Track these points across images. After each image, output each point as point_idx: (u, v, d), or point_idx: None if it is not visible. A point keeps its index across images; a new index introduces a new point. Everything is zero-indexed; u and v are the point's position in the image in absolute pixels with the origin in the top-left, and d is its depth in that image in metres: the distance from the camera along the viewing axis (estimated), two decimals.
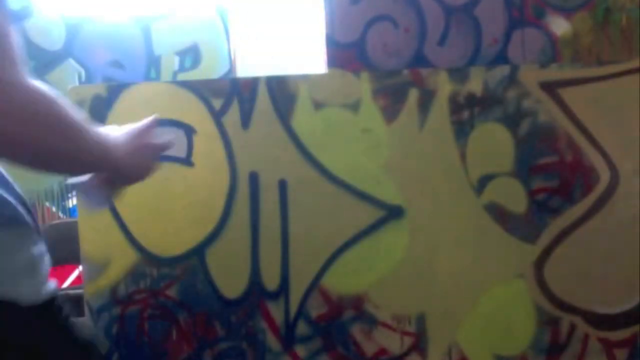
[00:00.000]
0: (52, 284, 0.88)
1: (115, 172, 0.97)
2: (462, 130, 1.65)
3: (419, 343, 1.67)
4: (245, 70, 2.78)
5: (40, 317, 0.86)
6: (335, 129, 1.64)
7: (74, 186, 1.00)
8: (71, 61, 2.80)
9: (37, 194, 2.79)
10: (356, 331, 1.68)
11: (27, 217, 0.88)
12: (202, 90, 1.65)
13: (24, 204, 0.89)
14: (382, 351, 1.68)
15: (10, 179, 0.90)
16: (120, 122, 1.68)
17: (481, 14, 1.71)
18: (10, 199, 0.86)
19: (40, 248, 0.89)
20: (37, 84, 0.79)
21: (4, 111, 0.72)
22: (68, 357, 0.89)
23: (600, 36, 1.70)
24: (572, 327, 1.66)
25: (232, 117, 1.65)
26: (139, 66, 2.80)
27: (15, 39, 0.77)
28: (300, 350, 1.68)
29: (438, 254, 1.66)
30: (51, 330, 0.88)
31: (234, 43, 2.80)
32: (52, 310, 0.88)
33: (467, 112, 1.65)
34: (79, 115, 0.87)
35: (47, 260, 0.90)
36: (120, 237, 1.66)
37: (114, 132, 0.99)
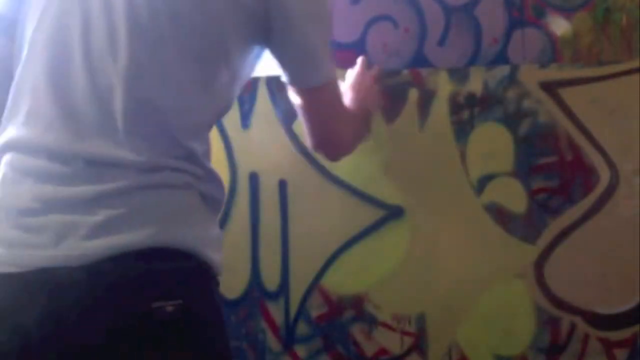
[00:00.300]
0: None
1: (368, 117, 1.54)
2: (462, 130, 1.65)
3: (419, 343, 1.67)
4: None
5: (216, 284, 1.07)
6: None
7: None
8: None
9: None
10: (356, 331, 1.68)
11: (222, 200, 1.14)
12: None
13: (222, 188, 1.14)
14: (382, 351, 1.68)
15: None
16: None
17: (481, 14, 1.70)
18: (220, 191, 1.11)
19: (221, 233, 1.14)
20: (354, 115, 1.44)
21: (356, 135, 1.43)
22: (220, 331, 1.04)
23: (600, 36, 1.70)
24: (572, 327, 1.66)
25: (232, 117, 1.65)
26: None
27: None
28: (300, 350, 1.68)
29: (438, 254, 1.66)
30: (218, 299, 1.06)
31: None
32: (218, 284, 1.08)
33: (467, 112, 1.65)
34: (351, 115, 1.39)
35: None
36: None
37: (346, 95, 1.45)
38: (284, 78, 1.22)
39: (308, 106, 1.23)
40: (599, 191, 1.65)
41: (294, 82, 1.21)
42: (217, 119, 1.23)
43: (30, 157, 0.98)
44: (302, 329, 1.68)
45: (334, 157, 1.39)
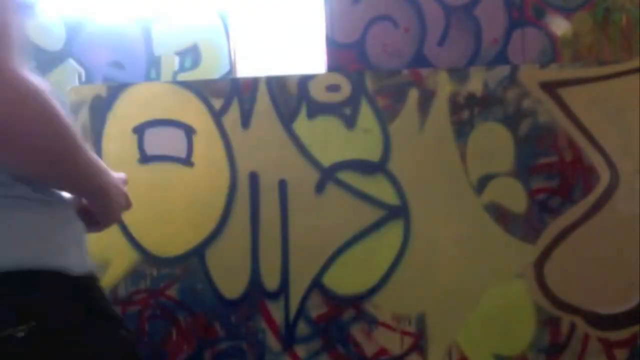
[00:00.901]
0: (90, 261, 0.94)
1: (105, 196, 0.98)
2: (462, 130, 1.65)
3: (419, 343, 1.67)
4: (245, 70, 2.78)
5: (84, 288, 0.91)
6: (335, 129, 1.64)
7: None
8: (71, 61, 2.80)
9: None
10: (356, 331, 1.67)
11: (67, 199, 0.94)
12: (202, 90, 1.65)
13: None
14: (382, 351, 1.68)
15: None
16: (121, 122, 1.69)
17: (481, 14, 1.70)
18: None
19: (81, 224, 0.95)
20: (32, 78, 0.76)
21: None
22: (104, 329, 0.93)
23: (600, 36, 1.70)
24: (572, 327, 1.66)
25: (232, 117, 1.65)
26: (139, 66, 2.80)
27: (17, 28, 0.75)
28: (300, 350, 1.68)
29: (438, 254, 1.66)
30: (92, 301, 0.92)
31: (234, 43, 2.80)
32: (93, 283, 0.94)
33: (467, 112, 1.65)
34: (70, 120, 0.82)
35: (86, 236, 0.96)
36: (120, 237, 1.66)
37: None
38: None
39: None
40: (599, 191, 1.65)
41: None
42: None
43: None
44: (302, 329, 1.68)
45: None
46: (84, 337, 0.90)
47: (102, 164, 0.95)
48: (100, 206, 1.00)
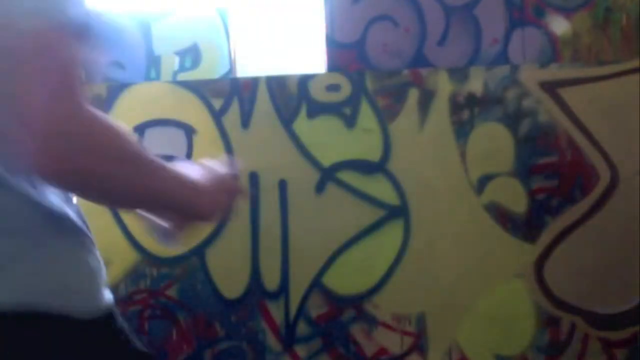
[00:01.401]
0: (108, 296, 0.82)
1: (200, 217, 0.88)
2: (462, 130, 1.65)
3: (419, 343, 1.67)
4: (245, 70, 2.78)
5: (96, 332, 0.79)
6: (335, 129, 1.64)
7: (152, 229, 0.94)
8: None
9: None
10: (356, 331, 1.67)
11: (84, 227, 0.83)
12: (202, 90, 1.65)
13: (79, 213, 0.84)
14: (382, 351, 1.68)
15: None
16: (120, 122, 1.68)
17: (481, 14, 1.70)
18: (68, 209, 0.81)
19: (97, 259, 0.84)
20: (99, 113, 0.71)
21: (69, 144, 0.68)
22: None
23: (600, 36, 1.70)
24: (572, 327, 1.66)
25: (232, 117, 1.65)
26: (139, 66, 2.80)
27: (80, 65, 0.72)
28: (300, 350, 1.68)
29: (438, 254, 1.66)
30: (107, 345, 0.81)
31: (234, 43, 2.80)
32: (109, 324, 0.82)
33: (467, 112, 1.65)
34: (148, 151, 0.77)
35: (104, 272, 0.84)
36: (120, 237, 1.66)
37: (191, 171, 0.89)
38: None
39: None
40: (599, 191, 1.65)
41: None
42: None
43: None
44: (302, 329, 1.68)
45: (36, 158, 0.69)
46: None
47: (196, 181, 0.86)
48: (190, 217, 0.89)
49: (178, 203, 0.85)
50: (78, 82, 0.71)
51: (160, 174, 0.79)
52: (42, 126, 0.67)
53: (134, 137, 0.77)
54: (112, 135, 0.72)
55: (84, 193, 0.75)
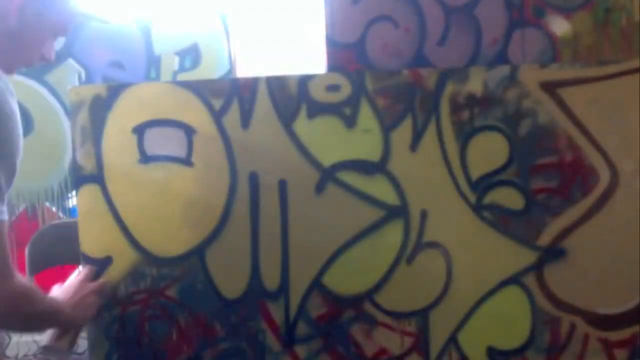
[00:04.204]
0: None
1: (67, 323, 1.46)
2: (462, 130, 1.65)
3: (419, 343, 1.67)
4: (245, 70, 2.78)
5: None
6: (335, 129, 1.64)
7: (47, 351, 1.48)
8: (71, 61, 2.80)
9: (37, 194, 2.79)
10: (356, 331, 1.68)
11: None
12: (202, 90, 1.65)
13: None
14: (382, 351, 1.68)
15: None
16: (120, 122, 1.69)
17: (481, 14, 1.71)
18: None
19: None
20: (21, 284, 1.21)
21: None
22: None
23: (600, 36, 1.70)
24: (572, 327, 1.66)
25: (232, 117, 1.65)
26: (139, 66, 2.80)
27: (6, 247, 1.14)
28: (300, 350, 1.68)
29: (438, 254, 1.66)
30: None
31: (234, 43, 2.80)
32: None
33: (467, 112, 1.65)
34: (42, 297, 1.34)
35: None
36: (120, 237, 1.66)
37: (59, 293, 1.49)
38: None
39: None
40: (599, 191, 1.65)
41: None
42: None
43: None
44: (302, 329, 1.68)
45: None
46: None
47: (60, 305, 1.43)
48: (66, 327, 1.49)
49: (54, 325, 1.45)
50: (8, 262, 1.14)
51: (45, 318, 1.35)
52: None
53: (39, 295, 1.31)
54: (24, 303, 1.22)
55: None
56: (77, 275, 1.54)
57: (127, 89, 1.65)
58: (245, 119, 1.66)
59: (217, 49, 2.81)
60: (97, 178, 1.65)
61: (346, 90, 1.64)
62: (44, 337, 1.46)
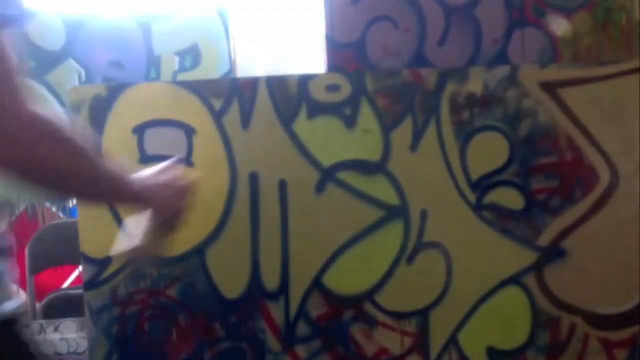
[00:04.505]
0: (10, 304, 0.88)
1: (141, 202, 1.00)
2: (462, 130, 1.65)
3: (419, 343, 1.67)
4: (245, 70, 2.78)
5: None
6: (335, 129, 1.64)
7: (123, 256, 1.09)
8: (71, 61, 2.80)
9: (37, 194, 2.79)
10: (356, 331, 1.68)
11: None
12: (202, 90, 1.65)
13: None
14: (382, 351, 1.68)
15: None
16: (120, 122, 1.69)
17: (481, 14, 1.71)
18: None
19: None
20: (39, 109, 0.81)
21: (12, 139, 0.77)
22: None
23: (600, 36, 1.70)
24: (572, 327, 1.66)
25: (232, 117, 1.65)
26: (139, 66, 2.80)
27: (15, 62, 0.79)
28: (300, 350, 1.68)
29: (438, 254, 1.66)
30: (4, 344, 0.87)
31: (234, 43, 2.80)
32: (8, 333, 0.88)
33: (467, 112, 1.65)
34: (86, 138, 0.88)
35: (7, 279, 0.89)
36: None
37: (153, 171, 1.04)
38: None
39: None
40: (599, 191, 1.65)
41: None
42: None
43: None
44: (302, 329, 1.68)
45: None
46: None
47: (129, 172, 0.96)
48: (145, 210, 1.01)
49: (120, 189, 0.95)
50: (17, 81, 0.79)
51: (101, 162, 0.89)
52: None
53: (76, 129, 0.87)
54: (52, 128, 0.82)
55: (32, 181, 0.84)
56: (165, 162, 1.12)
57: (127, 89, 1.65)
58: (245, 119, 1.66)
59: (217, 49, 2.81)
60: None
61: (346, 90, 1.64)
62: (124, 239, 1.09)
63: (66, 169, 0.83)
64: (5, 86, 0.77)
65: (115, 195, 0.97)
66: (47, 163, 0.81)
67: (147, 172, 1.02)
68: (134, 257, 1.07)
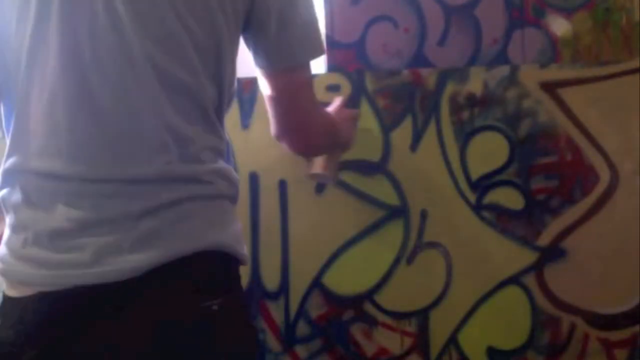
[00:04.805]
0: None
1: (340, 142, 1.43)
2: (461, 130, 1.65)
3: (419, 343, 1.67)
4: (245, 70, 2.77)
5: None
6: None
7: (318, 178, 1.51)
8: None
9: None
10: (356, 331, 1.68)
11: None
12: None
13: None
14: (382, 351, 1.68)
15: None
16: None
17: (481, 14, 1.71)
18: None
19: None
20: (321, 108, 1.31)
21: (310, 142, 1.27)
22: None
23: (600, 36, 1.70)
24: (572, 327, 1.66)
25: (232, 117, 1.65)
26: None
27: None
28: (300, 350, 1.68)
29: (438, 254, 1.66)
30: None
31: None
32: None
33: (467, 112, 1.65)
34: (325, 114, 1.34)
35: None
36: None
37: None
38: (263, 63, 1.17)
39: (287, 87, 1.16)
40: (599, 191, 1.65)
41: (283, 60, 1.14)
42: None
43: (59, 180, 0.96)
44: (302, 329, 1.68)
45: (302, 147, 1.28)
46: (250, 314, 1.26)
47: (337, 121, 1.37)
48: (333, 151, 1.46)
49: (344, 142, 1.45)
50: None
51: (338, 132, 1.36)
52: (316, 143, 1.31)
53: (330, 117, 1.35)
54: (329, 127, 1.31)
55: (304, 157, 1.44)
56: (333, 104, 1.51)
57: None
58: (245, 119, 1.66)
59: None
60: None
61: (346, 90, 1.64)
62: (312, 164, 1.46)
63: (329, 144, 1.36)
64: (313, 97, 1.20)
65: (340, 143, 1.42)
66: (321, 147, 1.35)
67: (332, 113, 1.42)
68: (322, 178, 1.48)
